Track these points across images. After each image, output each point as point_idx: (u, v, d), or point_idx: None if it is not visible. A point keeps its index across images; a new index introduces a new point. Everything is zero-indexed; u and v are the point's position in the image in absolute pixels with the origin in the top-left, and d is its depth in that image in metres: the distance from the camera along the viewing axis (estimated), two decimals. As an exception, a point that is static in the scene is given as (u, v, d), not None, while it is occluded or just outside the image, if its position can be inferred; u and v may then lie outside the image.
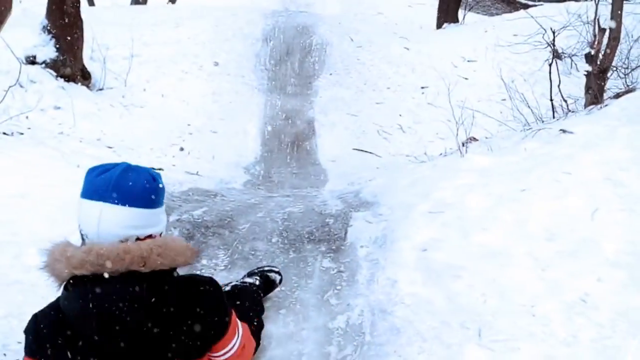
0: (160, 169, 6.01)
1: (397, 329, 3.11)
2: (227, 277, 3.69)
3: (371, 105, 9.46)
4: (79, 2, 8.08)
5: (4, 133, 5.66)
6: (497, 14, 14.66)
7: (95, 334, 1.96)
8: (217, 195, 5.25)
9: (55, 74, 7.77)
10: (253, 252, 4.02)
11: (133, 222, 2.01)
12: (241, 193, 5.95)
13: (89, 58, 8.48)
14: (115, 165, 2.06)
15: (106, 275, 1.94)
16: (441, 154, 6.63)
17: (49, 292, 2.01)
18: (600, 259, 3.33)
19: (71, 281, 2.01)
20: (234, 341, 2.22)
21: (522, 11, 12.02)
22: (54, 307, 2.09)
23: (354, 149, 8.41)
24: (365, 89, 9.85)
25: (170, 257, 2.02)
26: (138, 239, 2.02)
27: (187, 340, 2.04)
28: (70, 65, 7.92)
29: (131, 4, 13.96)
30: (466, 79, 10.05)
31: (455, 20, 13.03)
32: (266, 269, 3.51)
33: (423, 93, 9.75)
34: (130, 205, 2.00)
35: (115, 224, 1.99)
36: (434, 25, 13.26)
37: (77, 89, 7.90)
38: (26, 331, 2.11)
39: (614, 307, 3.03)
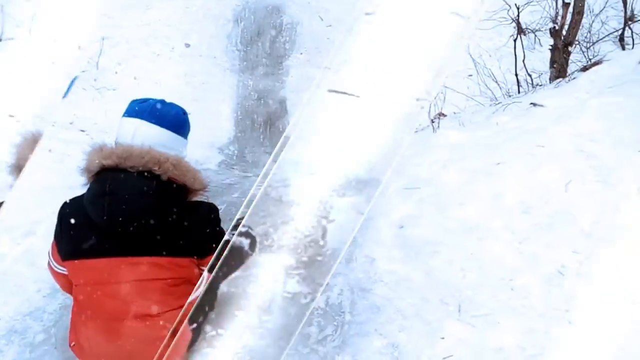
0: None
1: (377, 307, 3.00)
2: (204, 259, 3.53)
3: (342, 84, 9.28)
4: None
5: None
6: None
7: (105, 214, 2.11)
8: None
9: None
10: (230, 234, 3.85)
11: (161, 140, 2.23)
12: (216, 174, 5.76)
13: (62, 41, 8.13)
14: (151, 100, 2.31)
15: (127, 167, 2.14)
16: (415, 130, 6.49)
17: (21, 279, 1.91)
18: (575, 230, 3.24)
19: (98, 175, 2.20)
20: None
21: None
22: (79, 195, 2.28)
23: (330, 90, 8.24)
24: (335, 67, 9.66)
25: (183, 172, 2.21)
26: None
27: (181, 242, 2.19)
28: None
29: None
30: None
31: (421, -2, 12.89)
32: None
33: (391, 70, 9.60)
34: (161, 126, 2.25)
35: (146, 138, 2.20)
36: (401, 3, 13.08)
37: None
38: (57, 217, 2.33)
39: (591, 278, 2.95)
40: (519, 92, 6.83)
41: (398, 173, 4.22)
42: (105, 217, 2.11)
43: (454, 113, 6.50)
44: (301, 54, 9.87)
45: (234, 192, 4.62)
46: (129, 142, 2.22)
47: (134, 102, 2.34)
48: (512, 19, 8.11)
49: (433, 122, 5.67)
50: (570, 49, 6.85)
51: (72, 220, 2.26)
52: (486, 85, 6.96)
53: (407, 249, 3.40)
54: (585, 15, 8.08)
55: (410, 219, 3.60)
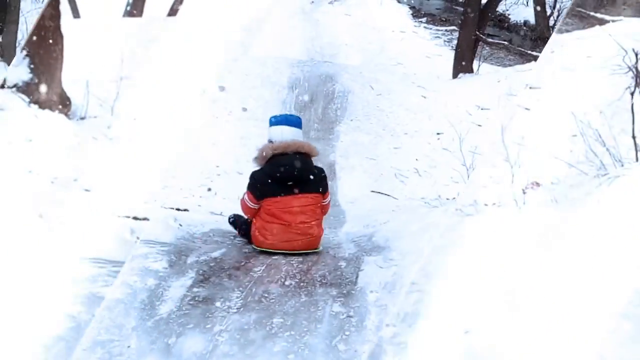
0: (185, 210, 5.92)
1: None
2: (239, 320, 3.53)
3: (389, 150, 9.31)
4: (59, 15, 6.31)
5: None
6: (509, 65, 14.49)
7: (296, 171, 4.47)
8: (236, 237, 5.10)
9: (27, 99, 6.02)
10: (266, 295, 3.85)
11: (296, 135, 4.70)
12: (261, 234, 5.78)
13: (70, 81, 6.82)
14: (284, 114, 5.46)
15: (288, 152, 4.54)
16: (454, 197, 6.42)
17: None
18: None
19: (272, 159, 4.55)
20: (329, 197, 4.89)
21: (532, 62, 11.86)
22: (259, 169, 4.66)
23: (372, 191, 8.24)
24: (384, 134, 9.72)
25: (311, 149, 4.73)
26: None
27: (321, 184, 4.69)
28: (46, 89, 6.15)
29: (123, 16, 11.40)
30: (480, 125, 9.88)
31: (470, 70, 12.86)
32: None
33: (439, 139, 9.59)
34: (294, 127, 4.72)
35: (289, 135, 4.64)
36: (450, 75, 13.11)
37: (54, 117, 6.22)
38: (251, 184, 4.67)
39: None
40: (637, 159, 5.25)
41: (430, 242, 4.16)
42: (296, 173, 4.47)
43: (552, 183, 5.65)
44: (351, 120, 10.00)
45: (274, 255, 4.62)
46: (280, 139, 4.61)
47: (274, 117, 4.83)
48: (629, 67, 6.64)
49: (524, 192, 4.83)
50: None
51: (263, 179, 4.52)
52: (591, 150, 5.83)
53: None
54: None
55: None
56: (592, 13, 11.86)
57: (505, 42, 15.87)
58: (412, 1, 21.57)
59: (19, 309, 3.24)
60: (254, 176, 4.54)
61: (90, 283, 3.71)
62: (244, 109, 9.82)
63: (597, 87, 7.84)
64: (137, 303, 3.64)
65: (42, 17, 6.09)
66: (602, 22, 10.38)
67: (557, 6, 17.72)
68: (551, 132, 7.07)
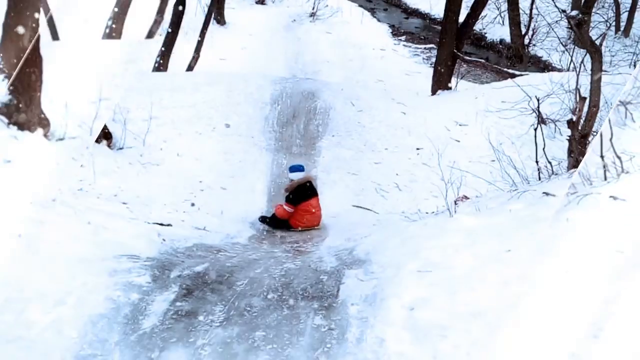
0: (169, 225, 5.90)
1: (384, 389, 2.91)
2: (222, 333, 3.51)
3: (370, 165, 9.36)
4: (39, 37, 6.27)
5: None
6: (487, 82, 14.67)
7: (309, 189, 7.84)
8: (220, 251, 5.09)
9: (7, 120, 6.11)
10: (249, 309, 3.84)
11: (305, 174, 8.00)
12: (244, 248, 5.78)
13: (111, 120, 8.40)
14: (297, 165, 8.15)
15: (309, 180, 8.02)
16: (433, 212, 6.47)
17: (48, 347, 1.94)
18: (585, 315, 3.14)
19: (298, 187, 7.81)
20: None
21: (509, 80, 12.01)
22: (298, 186, 7.79)
23: (354, 205, 8.28)
24: (365, 149, 9.77)
25: (312, 178, 8.36)
26: None
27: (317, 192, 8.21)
28: (25, 110, 6.17)
29: (152, 70, 13.94)
30: (458, 141, 9.97)
31: (448, 87, 13.01)
32: None
33: (418, 154, 9.66)
34: (303, 171, 7.97)
35: (302, 175, 7.91)
36: (429, 91, 13.25)
37: (99, 148, 7.67)
38: (291, 199, 7.69)
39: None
40: (539, 178, 6.78)
41: (413, 255, 4.20)
42: (311, 189, 7.81)
43: (476, 197, 6.47)
44: (333, 136, 10.04)
45: (257, 268, 4.63)
46: (299, 178, 7.80)
47: (293, 167, 8.03)
48: (533, 109, 8.19)
49: (456, 203, 5.65)
50: (587, 140, 6.81)
51: (301, 191, 7.68)
52: (506, 172, 6.93)
53: (416, 331, 3.34)
54: (603, 108, 8.08)
55: (421, 302, 3.55)
56: (505, 69, 15.19)
57: (482, 60, 16.10)
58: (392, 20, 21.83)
59: (70, 294, 3.67)
60: (295, 194, 7.64)
61: (126, 273, 4.16)
62: (227, 125, 9.83)
63: (509, 124, 10.00)
64: (121, 317, 3.61)
65: (21, 39, 6.06)
66: (512, 75, 13.14)
67: (532, 25, 18.03)
68: (475, 158, 9.19)
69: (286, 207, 7.63)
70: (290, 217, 7.65)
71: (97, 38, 12.20)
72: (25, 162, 5.80)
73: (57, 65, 7.23)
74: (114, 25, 11.72)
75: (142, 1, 13.23)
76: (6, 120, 6.04)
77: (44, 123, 6.49)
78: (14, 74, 6.01)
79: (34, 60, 6.23)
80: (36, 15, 6.18)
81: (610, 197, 3.99)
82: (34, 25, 6.14)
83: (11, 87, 6.07)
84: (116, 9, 11.68)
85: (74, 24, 12.21)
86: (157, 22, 12.83)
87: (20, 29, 6.02)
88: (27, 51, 6.05)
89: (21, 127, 6.14)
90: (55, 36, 11.62)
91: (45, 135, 6.50)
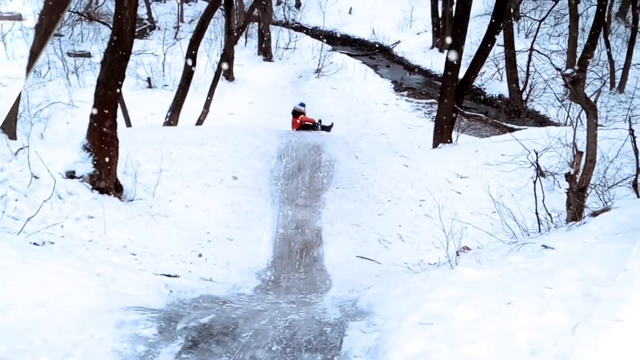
0: (176, 276, 5.90)
1: None
2: (226, 385, 3.48)
3: (373, 216, 9.38)
4: (116, 125, 8.14)
5: (34, 243, 5.58)
6: (486, 136, 14.82)
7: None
8: (225, 302, 5.08)
9: (91, 186, 7.79)
10: (253, 361, 3.81)
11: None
12: (249, 299, 5.76)
13: (122, 172, 8.52)
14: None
15: None
16: (435, 263, 6.46)
17: None
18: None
19: None
20: None
21: (508, 134, 12.14)
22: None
23: (357, 256, 8.25)
24: (368, 201, 9.81)
25: None
26: None
27: None
28: (104, 179, 7.93)
29: (163, 125, 14.21)
30: (459, 193, 10.01)
31: (449, 140, 13.16)
32: None
33: (421, 206, 9.69)
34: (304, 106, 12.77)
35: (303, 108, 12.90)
36: (431, 144, 13.38)
37: (110, 200, 7.89)
38: None
39: None
40: (539, 230, 6.78)
41: (415, 307, 4.18)
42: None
43: (477, 248, 6.47)
44: (337, 188, 10.11)
45: (262, 320, 4.59)
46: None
47: (302, 103, 12.98)
48: (532, 162, 8.26)
49: (458, 255, 5.64)
50: (585, 193, 6.84)
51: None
52: (506, 224, 6.95)
53: (418, 384, 3.30)
54: (600, 162, 8.15)
55: (423, 354, 3.51)
56: (504, 123, 15.36)
57: (482, 115, 16.30)
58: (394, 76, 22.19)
59: (78, 346, 3.65)
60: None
61: (133, 325, 4.13)
62: (235, 178, 9.93)
63: (509, 177, 10.09)
64: (127, 370, 3.59)
65: (104, 126, 7.90)
66: (511, 130, 13.30)
67: (529, 81, 18.30)
68: (476, 209, 9.18)
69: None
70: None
71: (159, 125, 14.54)
72: (103, 217, 7.25)
73: (129, 145, 8.72)
74: (171, 115, 14.27)
75: (193, 98, 15.54)
76: (90, 186, 7.81)
77: (118, 188, 8.20)
78: (97, 152, 7.90)
79: (112, 142, 8.04)
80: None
81: None
82: (112, 114, 8.05)
83: (95, 162, 7.90)
84: (173, 104, 14.34)
85: (142, 115, 15.67)
86: (204, 113, 15.20)
87: (107, 124, 7.92)
88: (107, 136, 7.94)
89: (101, 191, 7.89)
90: (128, 124, 14.41)
91: (119, 198, 8.14)
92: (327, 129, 13.39)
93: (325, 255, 8.27)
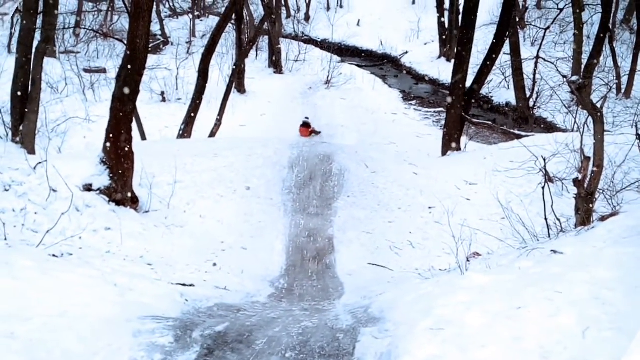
0: (191, 285, 5.91)
1: None
2: (241, 392, 3.49)
3: (384, 224, 9.36)
4: (131, 139, 8.22)
5: (53, 255, 5.63)
6: (494, 143, 14.76)
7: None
8: (240, 310, 5.09)
9: (107, 199, 7.84)
10: (267, 367, 3.82)
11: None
12: (263, 307, 5.76)
13: (138, 184, 8.57)
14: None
15: None
16: (446, 269, 6.43)
17: None
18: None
19: None
20: None
21: (516, 140, 12.08)
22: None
23: (369, 263, 8.23)
24: (379, 209, 9.79)
25: None
26: None
27: None
28: (121, 191, 8.00)
29: (177, 137, 14.30)
30: (468, 199, 9.97)
31: (458, 148, 13.11)
32: None
33: (431, 212, 9.65)
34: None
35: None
36: (440, 152, 13.35)
37: (126, 211, 7.94)
38: None
39: None
40: (549, 235, 6.70)
41: (426, 313, 4.16)
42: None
43: (487, 254, 6.44)
44: (348, 197, 10.10)
45: (276, 327, 4.60)
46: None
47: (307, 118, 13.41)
48: (540, 168, 8.19)
49: (468, 260, 5.62)
50: (593, 198, 6.78)
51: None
52: (515, 229, 6.89)
53: (430, 389, 3.28)
54: (608, 167, 8.08)
55: (434, 359, 3.50)
56: (511, 130, 15.09)
57: (490, 122, 16.24)
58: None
59: (96, 355, 3.71)
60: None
61: (150, 334, 4.17)
62: (248, 188, 9.95)
63: (517, 183, 9.97)
64: (144, 377, 3.61)
65: (120, 140, 8.00)
66: (519, 136, 13.09)
67: (536, 89, 18.22)
68: (485, 216, 9.12)
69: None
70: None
71: (173, 138, 14.51)
72: (120, 228, 7.34)
73: (144, 158, 8.81)
74: (185, 128, 14.23)
75: (206, 111, 15.61)
76: (107, 199, 7.87)
77: (134, 200, 8.25)
78: (113, 165, 7.99)
79: (128, 155, 8.16)
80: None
81: None
82: (128, 131, 8.14)
83: (111, 175, 7.98)
84: (186, 117, 14.30)
85: (157, 128, 15.74)
86: (217, 126, 15.17)
87: (123, 138, 8.03)
88: (123, 150, 8.03)
89: (118, 203, 7.97)
90: (143, 137, 14.36)
91: (135, 209, 8.18)
92: (318, 133, 14.81)
93: (338, 262, 8.25)
